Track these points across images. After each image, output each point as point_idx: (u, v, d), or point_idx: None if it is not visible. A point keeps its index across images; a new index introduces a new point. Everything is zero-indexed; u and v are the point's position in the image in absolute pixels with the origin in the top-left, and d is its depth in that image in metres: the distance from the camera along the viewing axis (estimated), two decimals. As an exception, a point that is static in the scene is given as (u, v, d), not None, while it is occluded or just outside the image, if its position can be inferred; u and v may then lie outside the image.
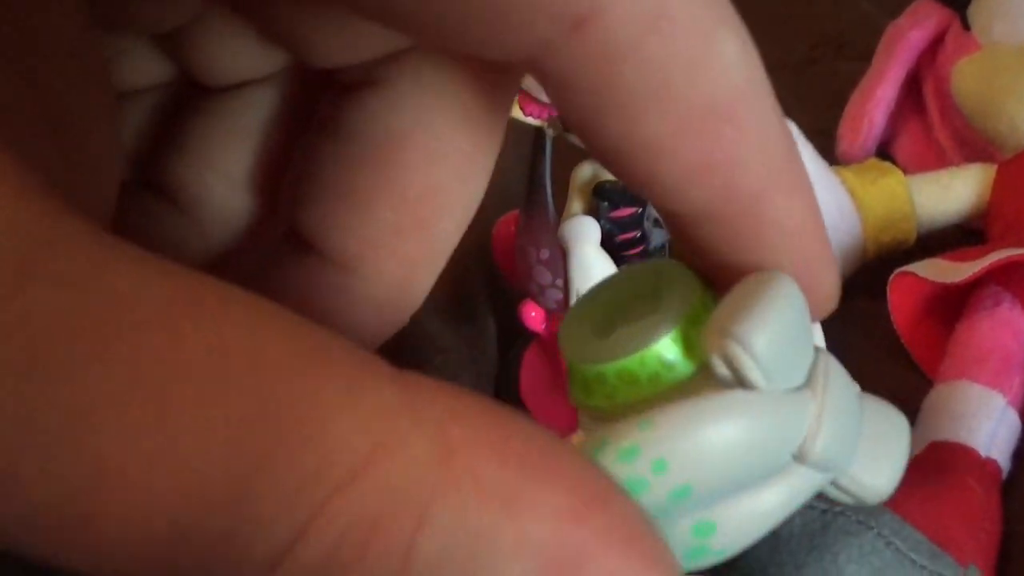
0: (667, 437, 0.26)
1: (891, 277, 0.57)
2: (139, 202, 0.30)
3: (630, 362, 0.28)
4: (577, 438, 0.32)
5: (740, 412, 0.26)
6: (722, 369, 0.25)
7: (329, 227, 0.28)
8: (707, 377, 0.26)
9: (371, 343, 0.29)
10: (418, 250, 0.29)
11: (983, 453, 0.49)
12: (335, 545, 0.17)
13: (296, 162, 0.29)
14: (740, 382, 0.25)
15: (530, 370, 0.58)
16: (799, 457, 0.27)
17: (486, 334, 0.62)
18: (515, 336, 0.61)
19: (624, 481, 0.26)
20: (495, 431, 0.19)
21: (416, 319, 0.54)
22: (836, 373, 0.28)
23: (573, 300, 0.48)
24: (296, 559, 0.17)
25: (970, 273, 0.53)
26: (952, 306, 0.57)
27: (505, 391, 0.58)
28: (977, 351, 0.54)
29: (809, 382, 0.27)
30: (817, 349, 0.28)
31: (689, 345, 0.27)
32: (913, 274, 0.56)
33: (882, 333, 0.59)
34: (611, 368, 0.28)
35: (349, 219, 0.28)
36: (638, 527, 0.22)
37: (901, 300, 0.58)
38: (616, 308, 0.30)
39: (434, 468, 0.18)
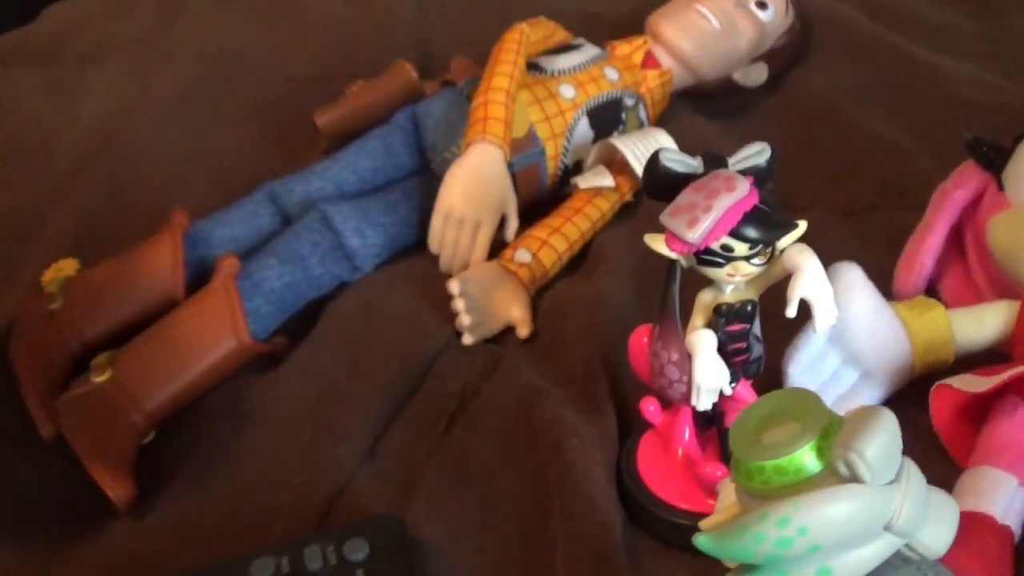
0: (808, 513, 0.45)
1: (932, 389, 0.73)
2: None
3: (782, 461, 0.47)
4: (733, 507, 0.50)
5: (854, 498, 0.46)
6: (843, 470, 0.45)
7: None
8: (833, 473, 0.46)
9: None
10: None
11: (1000, 520, 0.66)
12: None
13: None
14: (855, 478, 0.44)
15: (646, 452, 0.75)
16: (888, 527, 0.46)
17: (610, 424, 0.78)
18: (632, 426, 0.78)
19: (776, 540, 0.45)
20: None
21: (559, 411, 0.72)
22: (914, 473, 0.47)
23: (694, 393, 0.65)
24: None
25: (993, 384, 0.70)
26: (980, 412, 0.73)
27: (625, 467, 0.74)
28: (997, 444, 0.70)
29: (897, 478, 0.46)
30: (903, 457, 0.46)
31: (821, 452, 0.47)
32: (950, 386, 0.72)
33: (926, 435, 0.74)
34: (769, 464, 0.47)
35: None
36: None
37: (940, 407, 0.74)
38: (767, 420, 0.49)
39: None
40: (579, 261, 0.98)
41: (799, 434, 0.45)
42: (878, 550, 0.46)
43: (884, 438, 0.44)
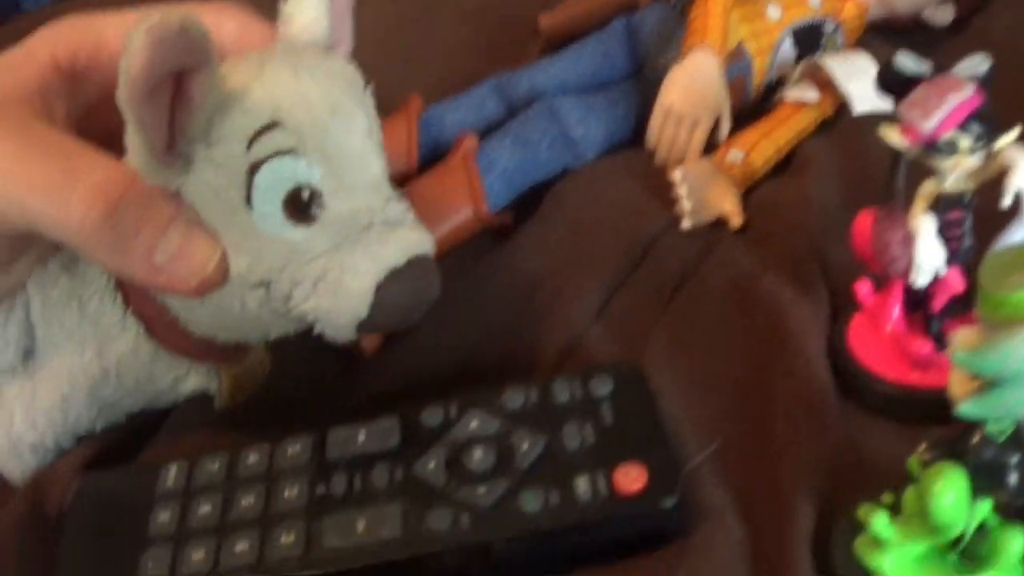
0: None
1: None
2: None
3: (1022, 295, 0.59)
4: (973, 336, 0.62)
5: None
6: None
7: None
8: None
9: None
10: None
11: None
12: None
13: None
14: None
15: (856, 330, 0.85)
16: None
17: (823, 303, 0.89)
18: (838, 312, 0.89)
19: (1014, 351, 0.57)
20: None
21: (775, 288, 0.86)
22: None
23: (914, 269, 0.78)
24: None
25: None
26: None
27: (837, 342, 0.85)
28: None
29: None
30: None
31: None
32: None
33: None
34: (1015, 296, 0.59)
35: None
36: None
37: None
38: (1009, 266, 0.62)
39: None
40: (782, 166, 1.10)
41: None
42: None
43: None
